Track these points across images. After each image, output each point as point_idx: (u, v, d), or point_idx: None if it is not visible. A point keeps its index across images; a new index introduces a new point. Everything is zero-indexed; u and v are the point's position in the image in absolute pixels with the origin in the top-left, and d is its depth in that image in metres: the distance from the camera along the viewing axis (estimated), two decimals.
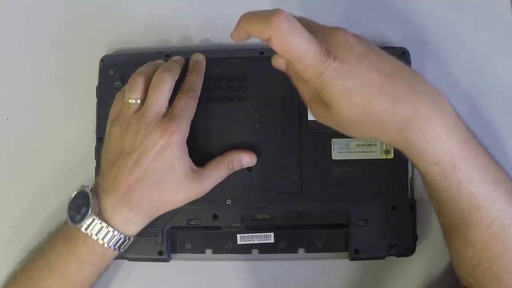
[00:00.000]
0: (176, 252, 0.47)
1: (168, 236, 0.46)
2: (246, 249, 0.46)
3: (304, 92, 0.39)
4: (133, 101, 0.43)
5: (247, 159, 0.44)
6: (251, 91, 0.47)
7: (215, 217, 0.46)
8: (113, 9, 0.53)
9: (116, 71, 0.48)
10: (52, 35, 0.52)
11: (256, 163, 0.46)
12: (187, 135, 0.42)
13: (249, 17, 0.35)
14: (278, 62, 0.38)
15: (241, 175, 0.46)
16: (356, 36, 0.36)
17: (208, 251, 0.47)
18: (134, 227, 0.41)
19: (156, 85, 0.43)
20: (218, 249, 0.46)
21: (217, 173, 0.43)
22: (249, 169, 0.46)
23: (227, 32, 0.51)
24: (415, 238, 0.46)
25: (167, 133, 0.40)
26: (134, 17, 0.52)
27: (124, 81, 0.48)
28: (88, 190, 0.41)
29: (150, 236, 0.45)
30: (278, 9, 0.33)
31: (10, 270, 0.47)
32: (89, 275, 0.42)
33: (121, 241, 0.41)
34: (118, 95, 0.45)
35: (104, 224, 0.40)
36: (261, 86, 0.47)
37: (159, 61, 0.46)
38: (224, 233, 0.46)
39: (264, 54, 0.48)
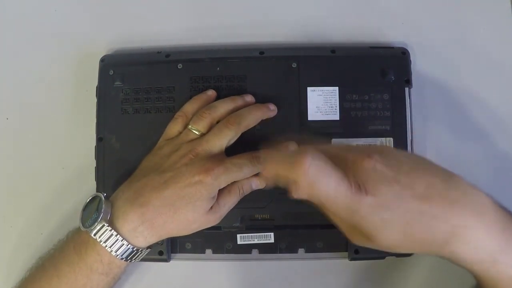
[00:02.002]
0: (176, 252, 0.47)
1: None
2: (246, 249, 0.46)
3: (341, 224, 0.37)
4: (196, 131, 0.44)
5: (257, 183, 0.44)
6: (251, 91, 0.47)
7: None
8: (113, 9, 0.53)
9: (116, 71, 0.48)
10: (52, 35, 0.52)
11: None
12: (224, 185, 0.42)
13: (275, 160, 0.34)
14: (300, 195, 0.35)
15: None
16: (382, 157, 0.34)
17: (208, 251, 0.47)
18: (142, 240, 0.41)
19: (220, 129, 0.43)
20: (218, 249, 0.46)
21: (229, 200, 0.43)
22: None
23: (227, 32, 0.51)
24: None
25: (205, 173, 0.41)
26: (134, 17, 0.52)
27: (124, 81, 0.48)
28: (102, 196, 0.41)
29: None
30: (303, 152, 0.32)
31: (10, 271, 0.47)
32: (97, 285, 0.41)
33: (128, 251, 0.40)
34: (177, 117, 0.45)
35: (114, 232, 0.40)
36: (261, 86, 0.47)
37: (239, 102, 0.46)
38: (224, 233, 0.46)
39: (264, 54, 0.48)
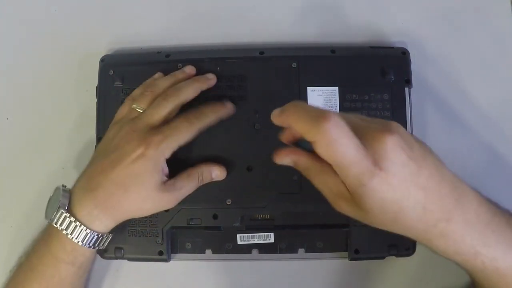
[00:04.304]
0: (176, 252, 0.47)
1: (168, 236, 0.46)
2: (246, 249, 0.46)
3: (326, 188, 0.36)
4: (139, 109, 0.44)
5: (217, 173, 0.45)
6: (251, 91, 0.47)
7: (215, 217, 0.46)
8: (113, 9, 0.53)
9: (116, 71, 0.48)
10: (52, 35, 0.52)
11: (256, 163, 0.46)
12: (168, 154, 0.42)
13: (298, 111, 0.33)
14: (285, 161, 0.37)
15: (241, 175, 0.46)
16: (401, 136, 0.33)
17: (208, 251, 0.47)
18: (99, 223, 0.41)
19: (158, 101, 0.43)
20: (218, 249, 0.46)
21: (187, 184, 0.43)
22: (249, 169, 0.46)
23: (227, 31, 0.51)
24: None
25: (144, 145, 0.41)
26: (134, 17, 0.52)
27: (124, 81, 0.48)
28: (60, 187, 0.42)
29: (150, 236, 0.45)
30: (327, 113, 0.31)
31: (10, 271, 0.47)
32: (65, 275, 0.42)
33: (88, 237, 0.41)
34: (127, 101, 0.46)
35: (72, 219, 0.40)
36: (261, 86, 0.47)
37: (180, 76, 0.46)
38: (224, 233, 0.46)
39: (264, 54, 0.48)
